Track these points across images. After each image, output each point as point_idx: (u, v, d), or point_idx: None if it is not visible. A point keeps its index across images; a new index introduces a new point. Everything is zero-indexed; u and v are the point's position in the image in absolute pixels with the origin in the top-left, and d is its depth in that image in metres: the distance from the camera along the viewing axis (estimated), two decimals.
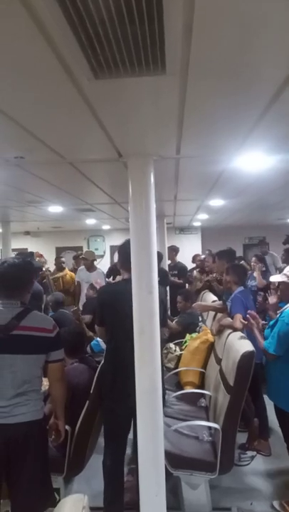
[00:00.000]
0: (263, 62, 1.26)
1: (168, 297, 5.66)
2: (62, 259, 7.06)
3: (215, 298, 4.68)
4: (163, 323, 2.69)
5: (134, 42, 1.08)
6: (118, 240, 10.39)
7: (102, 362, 2.67)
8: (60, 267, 6.89)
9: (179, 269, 6.73)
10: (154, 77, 1.29)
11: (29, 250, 8.57)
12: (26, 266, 2.25)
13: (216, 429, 2.63)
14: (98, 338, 3.93)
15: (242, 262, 6.65)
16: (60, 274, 6.74)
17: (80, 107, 1.57)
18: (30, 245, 9.30)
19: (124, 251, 2.65)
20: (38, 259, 6.64)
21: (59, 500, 2.48)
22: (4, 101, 1.52)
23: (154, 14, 0.95)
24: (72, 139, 2.11)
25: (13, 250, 6.69)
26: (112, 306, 2.54)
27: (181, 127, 1.89)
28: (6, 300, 2.09)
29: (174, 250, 7.07)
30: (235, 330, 3.03)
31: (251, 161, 2.71)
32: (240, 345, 2.65)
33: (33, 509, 2.04)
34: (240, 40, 1.12)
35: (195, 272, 6.30)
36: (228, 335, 3.04)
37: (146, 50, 1.12)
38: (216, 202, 5.02)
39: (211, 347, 3.68)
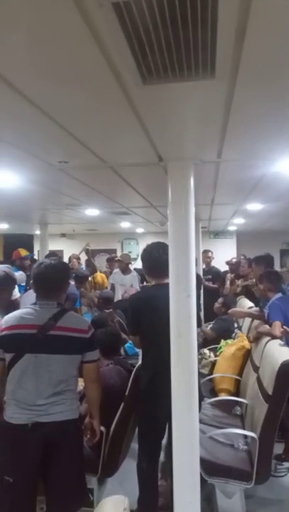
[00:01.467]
0: None
1: (201, 301, 5.62)
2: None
3: (251, 304, 4.58)
4: (198, 323, 2.66)
5: (185, 46, 1.08)
6: (146, 244, 10.38)
7: (139, 365, 2.68)
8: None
9: (214, 273, 6.67)
10: (202, 81, 1.29)
11: (64, 252, 8.78)
12: (62, 267, 2.29)
13: (252, 438, 2.57)
14: None
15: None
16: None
17: (126, 112, 1.59)
18: (66, 247, 9.49)
19: (147, 257, 2.63)
20: (74, 260, 6.74)
21: (93, 500, 2.52)
22: (53, 106, 1.56)
23: (208, 18, 0.95)
24: (115, 143, 2.14)
25: (50, 252, 6.85)
26: (148, 313, 2.53)
27: (225, 131, 1.87)
28: (43, 300, 2.13)
29: (209, 254, 7.02)
30: (273, 337, 2.96)
31: None
32: (279, 353, 2.58)
33: (67, 507, 2.08)
34: None
35: (228, 275, 6.21)
36: (267, 342, 2.97)
37: (196, 54, 1.12)
38: (254, 206, 4.93)
39: (247, 354, 3.61)
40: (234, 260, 6.90)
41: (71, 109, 1.59)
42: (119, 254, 8.65)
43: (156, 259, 2.55)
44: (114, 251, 9.90)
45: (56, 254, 5.73)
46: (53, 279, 2.17)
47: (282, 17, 0.97)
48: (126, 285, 5.84)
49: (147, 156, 2.32)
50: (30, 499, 1.99)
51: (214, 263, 7.79)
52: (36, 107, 1.53)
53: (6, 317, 2.13)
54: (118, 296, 5.76)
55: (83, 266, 6.86)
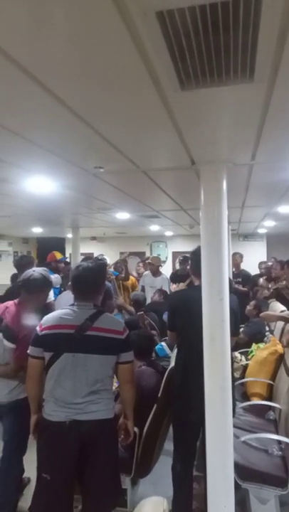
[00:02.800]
0: None
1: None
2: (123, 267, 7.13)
3: (283, 307, 4.49)
4: (234, 333, 2.65)
5: (225, 51, 1.10)
6: (180, 246, 10.40)
7: (171, 367, 2.69)
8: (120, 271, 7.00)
9: (243, 276, 6.58)
10: (240, 85, 1.30)
11: (94, 255, 8.90)
12: (99, 269, 2.34)
13: (286, 443, 2.52)
14: (163, 343, 3.96)
15: None
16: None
17: (162, 117, 1.61)
18: (96, 250, 9.63)
19: (196, 258, 2.65)
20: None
21: (126, 500, 2.54)
22: (91, 112, 1.60)
23: (250, 23, 0.96)
24: (149, 148, 2.17)
25: (82, 254, 6.97)
26: (184, 312, 2.55)
27: (260, 133, 1.87)
28: (80, 302, 2.19)
29: (238, 257, 6.93)
30: None
31: None
32: None
33: (103, 507, 2.10)
34: None
35: (261, 279, 6.11)
36: None
37: (236, 58, 1.13)
38: (286, 208, 4.84)
39: (280, 358, 3.54)
40: (269, 263, 6.79)
41: (108, 114, 1.63)
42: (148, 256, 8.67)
43: (198, 261, 2.58)
44: (143, 254, 9.95)
45: (91, 258, 5.83)
46: (90, 282, 2.22)
47: None
48: (156, 287, 5.85)
49: (180, 160, 2.34)
50: (66, 497, 2.03)
51: (243, 266, 7.69)
52: (74, 113, 1.58)
53: (46, 317, 2.20)
54: (149, 299, 5.78)
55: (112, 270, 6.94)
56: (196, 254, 2.65)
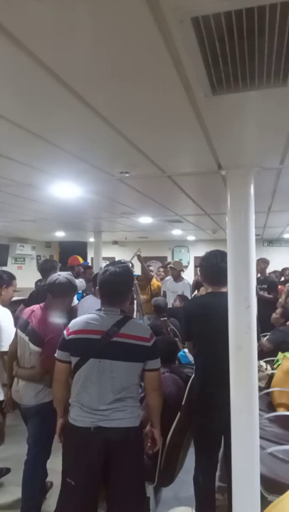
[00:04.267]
0: None
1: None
2: (150, 267, 7.12)
3: None
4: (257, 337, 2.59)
5: (259, 56, 1.08)
6: (202, 251, 10.28)
7: (193, 375, 2.65)
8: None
9: (269, 283, 6.43)
10: (272, 89, 1.27)
11: (116, 259, 8.93)
12: (126, 274, 2.28)
13: None
14: (185, 350, 3.92)
15: None
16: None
17: (191, 122, 1.60)
18: (118, 254, 9.67)
19: (206, 264, 2.61)
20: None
21: (149, 509, 2.51)
22: (119, 118, 1.61)
23: (287, 27, 0.94)
24: (176, 153, 2.16)
25: (103, 259, 7.01)
26: (200, 320, 2.50)
27: None
28: (107, 307, 2.17)
29: (264, 263, 6.79)
30: None
31: None
32: None
33: None
34: None
35: (286, 287, 5.97)
36: None
37: (270, 63, 1.11)
38: None
39: None
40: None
41: (136, 119, 1.63)
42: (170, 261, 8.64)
43: (214, 267, 2.53)
44: (165, 258, 9.93)
45: (119, 262, 5.82)
46: (117, 286, 2.19)
47: None
48: (178, 292, 5.81)
49: (206, 165, 2.32)
50: (91, 503, 2.02)
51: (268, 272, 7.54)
52: (102, 118, 1.58)
53: (73, 321, 2.19)
54: (170, 304, 5.75)
55: (136, 273, 6.93)
56: (206, 260, 2.60)
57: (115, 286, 2.19)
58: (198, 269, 2.82)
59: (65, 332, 2.16)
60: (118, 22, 0.95)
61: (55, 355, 2.17)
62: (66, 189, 3.03)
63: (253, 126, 1.70)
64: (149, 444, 2.24)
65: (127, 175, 2.50)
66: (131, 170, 2.39)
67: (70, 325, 2.17)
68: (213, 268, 2.55)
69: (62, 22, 0.96)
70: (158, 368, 2.21)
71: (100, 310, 2.19)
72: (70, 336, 2.12)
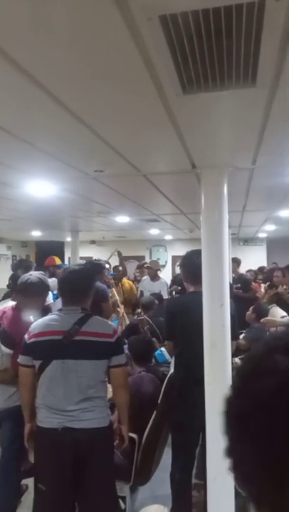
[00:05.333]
0: None
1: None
2: (120, 267, 7.07)
3: (284, 313, 4.47)
4: (233, 337, 2.63)
5: (228, 56, 1.09)
6: (180, 251, 10.37)
7: (171, 373, 2.67)
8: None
9: (243, 281, 6.52)
10: (242, 89, 1.29)
11: (94, 258, 8.88)
12: (87, 272, 2.28)
13: None
14: (163, 348, 3.93)
15: None
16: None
17: (164, 121, 1.60)
18: (96, 253, 9.60)
19: (188, 263, 2.63)
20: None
21: (125, 508, 2.51)
22: (92, 116, 1.60)
23: (253, 29, 0.95)
24: (150, 152, 2.17)
25: (80, 258, 6.95)
26: (182, 319, 2.52)
27: (262, 138, 1.86)
28: (68, 306, 2.15)
29: (236, 262, 6.89)
30: None
31: None
32: None
33: None
34: None
35: (263, 286, 6.09)
36: None
37: (238, 64, 1.13)
38: (287, 213, 4.84)
39: None
40: (268, 269, 6.78)
41: (110, 118, 1.62)
42: (148, 261, 8.66)
43: (195, 266, 2.55)
44: (142, 258, 9.94)
45: (91, 261, 5.77)
46: (77, 284, 2.16)
47: None
48: (155, 292, 5.82)
49: (181, 164, 2.33)
50: (65, 506, 1.99)
51: (243, 271, 7.66)
52: (75, 116, 1.57)
53: (33, 324, 2.16)
54: None
55: (112, 272, 6.89)
56: (187, 259, 2.62)
57: (74, 284, 2.17)
58: (180, 268, 2.84)
59: (26, 336, 2.12)
60: (86, 19, 0.94)
61: (18, 360, 2.13)
62: (41, 187, 2.99)
63: (225, 126, 1.72)
64: (117, 441, 2.23)
65: (102, 173, 2.48)
66: (105, 168, 2.38)
67: (30, 328, 2.14)
68: (194, 267, 2.57)
69: (33, 20, 0.95)
70: (123, 364, 2.19)
71: (60, 310, 2.16)
72: (30, 340, 2.08)
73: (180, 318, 2.53)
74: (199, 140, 1.91)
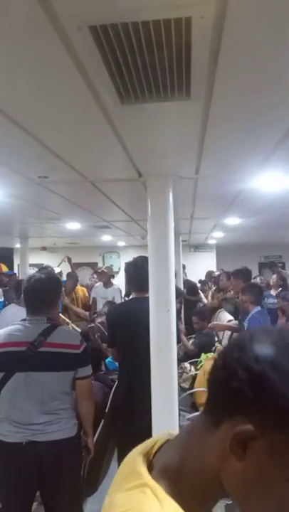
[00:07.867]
0: (286, 85, 1.29)
1: (182, 314, 5.63)
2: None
3: (230, 317, 4.63)
4: (177, 340, 2.68)
5: (160, 69, 1.11)
6: (133, 257, 10.41)
7: (117, 382, 2.65)
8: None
9: (188, 287, 6.64)
10: (178, 102, 1.33)
11: (44, 265, 8.68)
12: (52, 280, 2.20)
13: None
14: None
15: (258, 278, 6.58)
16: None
17: (105, 130, 1.61)
18: (47, 260, 9.39)
19: (133, 270, 2.66)
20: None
21: None
22: (33, 122, 1.57)
23: (183, 43, 0.99)
24: (95, 159, 2.16)
25: (30, 265, 6.77)
26: (124, 326, 2.52)
27: (202, 149, 1.92)
28: (32, 316, 2.06)
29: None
30: None
31: (270, 181, 2.72)
32: None
33: None
34: (264, 64, 1.15)
35: (211, 290, 6.26)
36: None
37: (172, 76, 1.16)
38: (233, 220, 5.02)
39: None
40: (217, 273, 6.99)
41: (50, 125, 1.61)
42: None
43: (138, 272, 2.57)
44: (95, 264, 9.85)
45: (47, 268, 5.64)
46: (42, 294, 2.08)
47: (253, 39, 1.02)
48: (108, 299, 5.79)
49: (127, 172, 2.35)
50: None
51: (195, 276, 7.84)
52: (15, 123, 1.54)
53: None
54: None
55: (64, 279, 6.77)
56: (131, 266, 2.65)
57: (40, 293, 2.09)
58: (125, 274, 2.86)
59: None
60: (19, 24, 0.93)
61: None
62: None
63: (166, 136, 1.76)
64: (83, 454, 2.18)
65: (47, 179, 2.44)
66: (50, 174, 2.34)
67: None
68: (137, 273, 2.59)
69: None
70: (89, 375, 2.14)
71: (24, 320, 2.08)
72: None
73: (120, 325, 2.53)
74: (142, 149, 1.94)
